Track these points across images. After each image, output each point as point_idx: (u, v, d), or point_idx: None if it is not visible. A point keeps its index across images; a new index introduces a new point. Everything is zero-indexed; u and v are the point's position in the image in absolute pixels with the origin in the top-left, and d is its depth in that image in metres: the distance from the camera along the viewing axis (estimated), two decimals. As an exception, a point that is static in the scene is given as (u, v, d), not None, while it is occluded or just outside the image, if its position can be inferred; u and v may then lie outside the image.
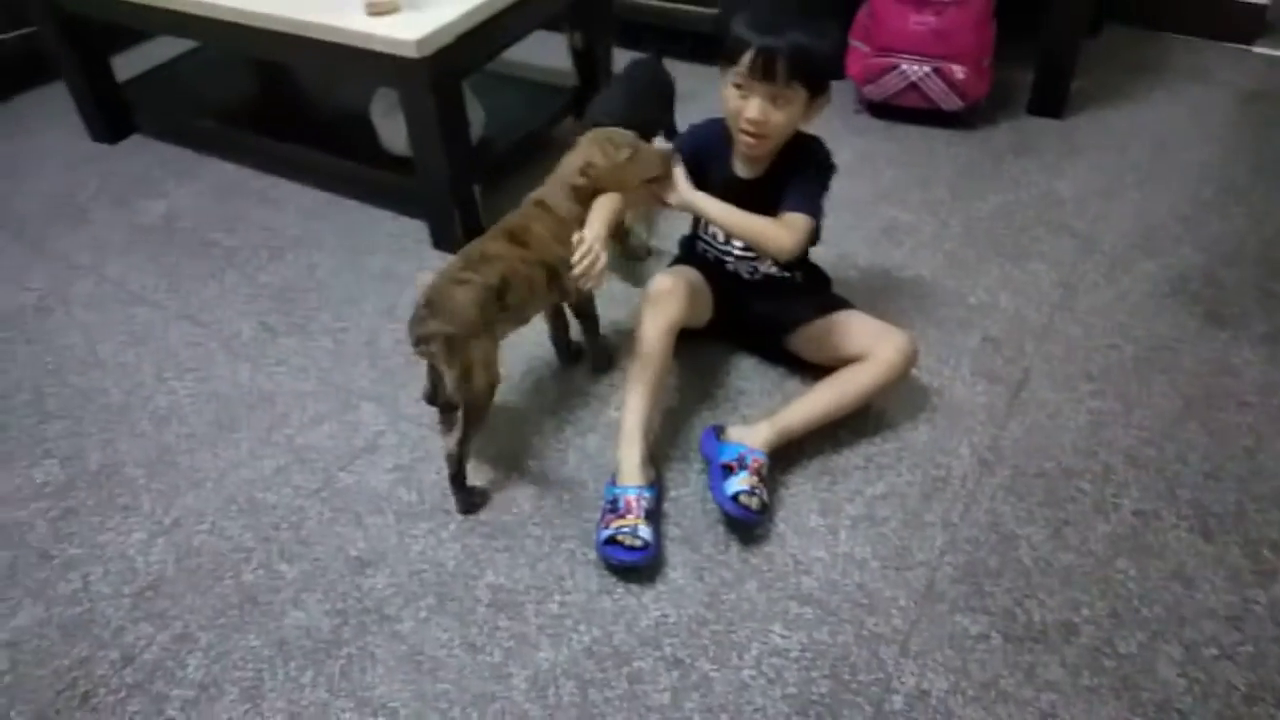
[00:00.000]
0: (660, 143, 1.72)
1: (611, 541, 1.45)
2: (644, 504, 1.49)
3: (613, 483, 1.54)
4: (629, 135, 1.64)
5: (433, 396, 1.74)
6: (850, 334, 1.68)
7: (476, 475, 1.62)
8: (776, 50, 1.46)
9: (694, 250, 1.80)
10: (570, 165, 1.63)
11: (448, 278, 1.52)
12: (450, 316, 1.47)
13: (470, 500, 1.58)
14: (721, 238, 1.72)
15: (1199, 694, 1.29)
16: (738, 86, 1.52)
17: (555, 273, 1.61)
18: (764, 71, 1.47)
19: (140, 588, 1.49)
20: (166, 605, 1.46)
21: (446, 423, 1.71)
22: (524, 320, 1.65)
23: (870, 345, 1.64)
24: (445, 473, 1.56)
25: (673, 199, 1.63)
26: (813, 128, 1.62)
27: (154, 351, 1.94)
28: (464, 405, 1.51)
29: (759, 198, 1.60)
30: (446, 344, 1.47)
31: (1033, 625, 1.38)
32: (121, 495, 1.64)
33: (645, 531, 1.45)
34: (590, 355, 1.85)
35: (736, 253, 1.71)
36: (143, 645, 1.40)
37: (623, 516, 1.47)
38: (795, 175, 1.60)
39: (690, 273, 1.71)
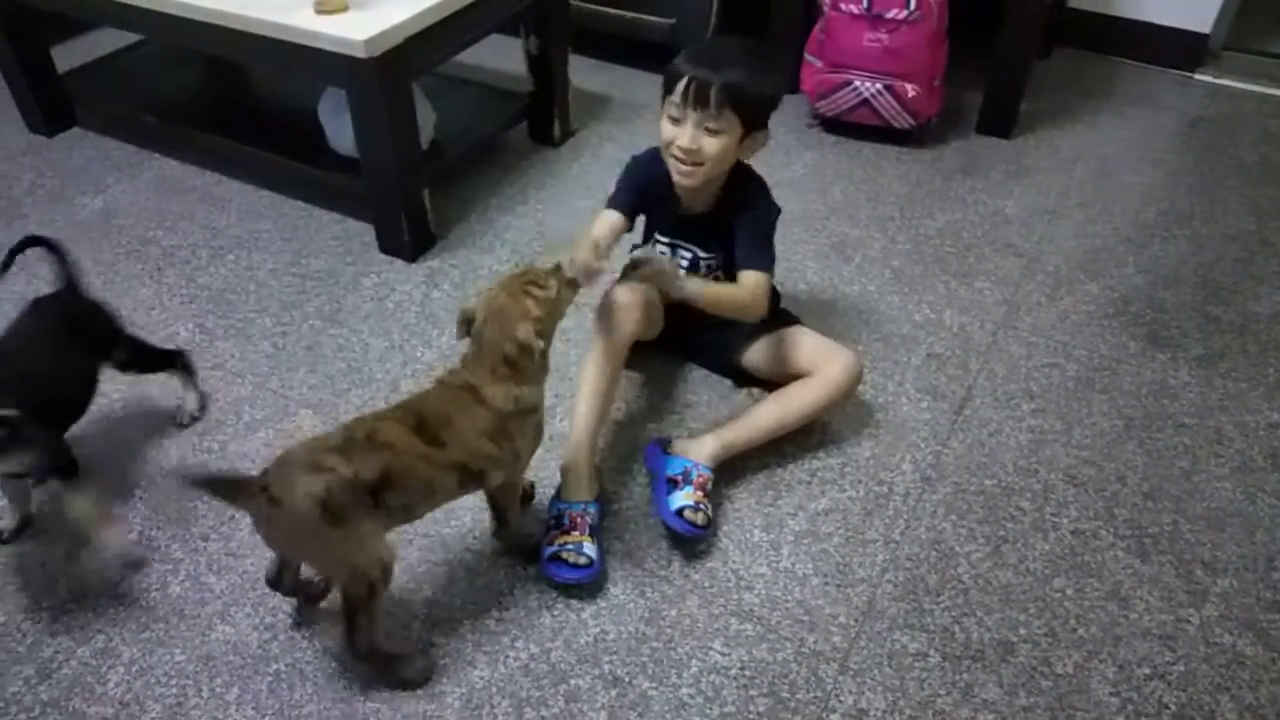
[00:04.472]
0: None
1: (555, 559, 1.42)
2: (589, 520, 1.47)
3: (558, 497, 1.51)
4: (539, 266, 1.36)
5: (275, 577, 1.35)
6: (798, 351, 1.68)
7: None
8: (709, 79, 1.45)
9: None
10: (507, 332, 1.27)
11: (304, 456, 1.19)
12: (282, 516, 1.16)
13: (403, 676, 1.31)
14: (670, 255, 1.71)
15: (1131, 713, 1.30)
16: (673, 119, 1.51)
17: (475, 475, 1.31)
18: (696, 98, 1.46)
19: (61, 600, 1.43)
20: (89, 618, 1.41)
21: (308, 613, 1.41)
22: (414, 518, 1.33)
23: (817, 362, 1.64)
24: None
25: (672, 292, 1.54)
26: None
27: (85, 353, 1.88)
28: (341, 594, 1.23)
29: (709, 231, 1.64)
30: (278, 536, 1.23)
31: (970, 644, 1.38)
32: (45, 503, 1.58)
33: (590, 549, 1.43)
34: (506, 542, 1.51)
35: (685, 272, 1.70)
36: (61, 660, 1.35)
37: (568, 533, 1.45)
38: (741, 215, 1.59)
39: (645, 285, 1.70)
